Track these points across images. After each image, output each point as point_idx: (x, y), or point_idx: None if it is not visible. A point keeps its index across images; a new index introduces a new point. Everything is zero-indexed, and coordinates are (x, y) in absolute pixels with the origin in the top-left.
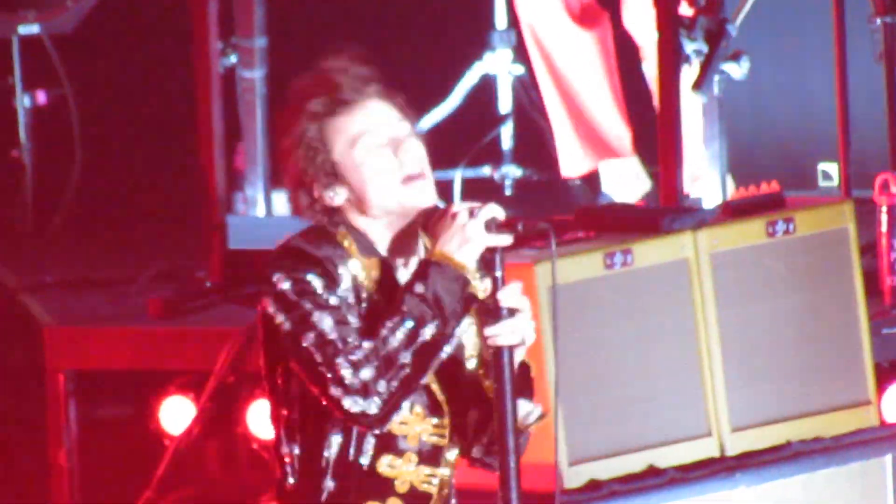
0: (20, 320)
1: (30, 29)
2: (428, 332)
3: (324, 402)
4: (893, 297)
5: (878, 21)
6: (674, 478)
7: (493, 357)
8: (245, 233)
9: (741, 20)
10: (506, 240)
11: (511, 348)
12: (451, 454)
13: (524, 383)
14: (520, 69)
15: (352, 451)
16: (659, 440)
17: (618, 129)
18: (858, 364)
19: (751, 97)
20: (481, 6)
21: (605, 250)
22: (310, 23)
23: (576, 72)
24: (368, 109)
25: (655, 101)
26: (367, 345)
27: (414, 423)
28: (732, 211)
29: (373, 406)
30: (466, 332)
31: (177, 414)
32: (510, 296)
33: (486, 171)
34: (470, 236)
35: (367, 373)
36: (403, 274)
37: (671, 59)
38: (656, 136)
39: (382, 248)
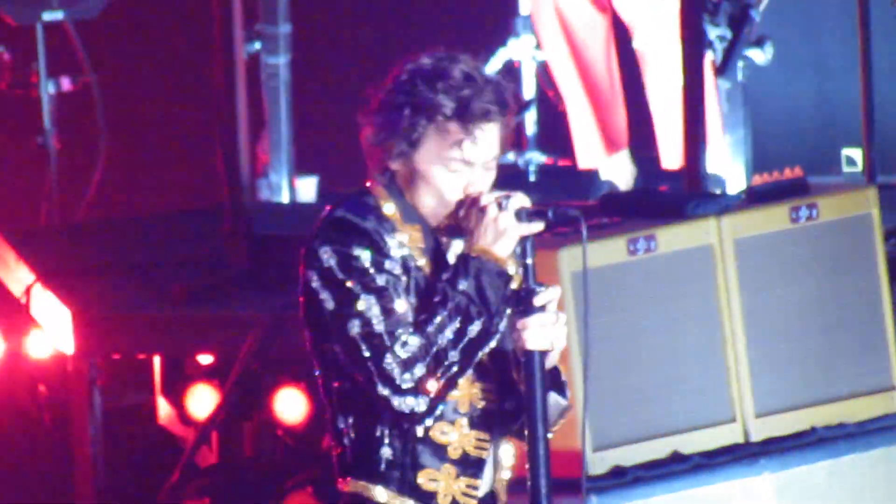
0: (45, 308)
1: (54, 15)
2: (475, 329)
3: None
4: None
5: None
6: (698, 464)
7: (524, 360)
8: (269, 219)
9: (764, 5)
10: (537, 227)
11: (542, 353)
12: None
13: (553, 384)
14: (543, 55)
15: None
16: (683, 426)
17: (621, 114)
18: (882, 349)
19: (774, 82)
20: None
21: (628, 236)
22: (334, 9)
23: (595, 57)
24: (481, 134)
25: (645, 79)
26: (415, 341)
27: (464, 387)
28: (756, 197)
29: (422, 404)
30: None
31: (202, 401)
32: (546, 300)
33: (510, 157)
34: (503, 228)
35: (417, 372)
36: (447, 243)
37: (694, 44)
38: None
39: (424, 214)
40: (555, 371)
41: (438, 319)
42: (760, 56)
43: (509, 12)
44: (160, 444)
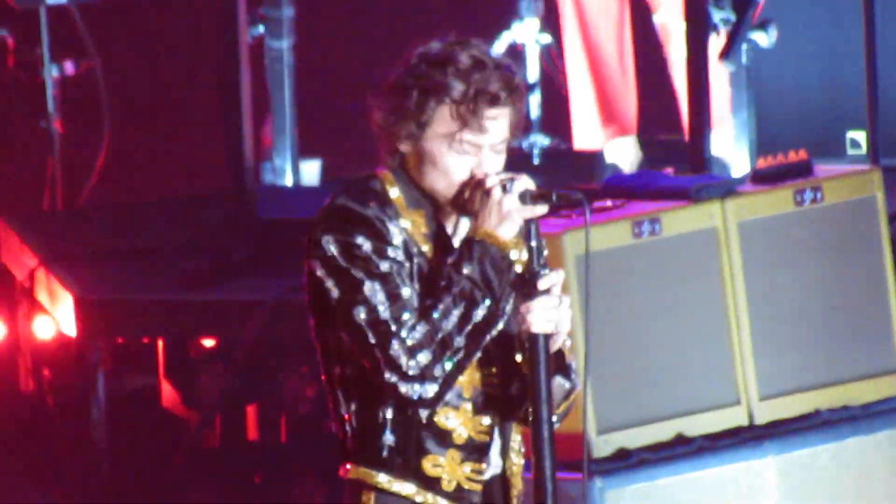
0: (50, 292)
1: None
2: (480, 313)
3: (378, 381)
4: None
5: None
6: (702, 446)
7: (528, 343)
8: (273, 202)
9: None
10: (541, 210)
11: (546, 337)
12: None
13: (558, 367)
14: (547, 38)
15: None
16: (687, 409)
17: (630, 100)
18: (887, 332)
19: (778, 65)
20: None
21: (633, 219)
22: None
23: (606, 37)
24: (490, 117)
25: (668, 53)
26: (421, 328)
27: (468, 372)
28: (760, 179)
29: (429, 391)
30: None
31: (206, 384)
32: (550, 283)
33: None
34: (507, 211)
35: (423, 358)
36: (451, 226)
37: (698, 27)
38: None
39: (428, 200)
40: (559, 354)
41: (443, 305)
42: (764, 39)
43: None
44: (164, 427)
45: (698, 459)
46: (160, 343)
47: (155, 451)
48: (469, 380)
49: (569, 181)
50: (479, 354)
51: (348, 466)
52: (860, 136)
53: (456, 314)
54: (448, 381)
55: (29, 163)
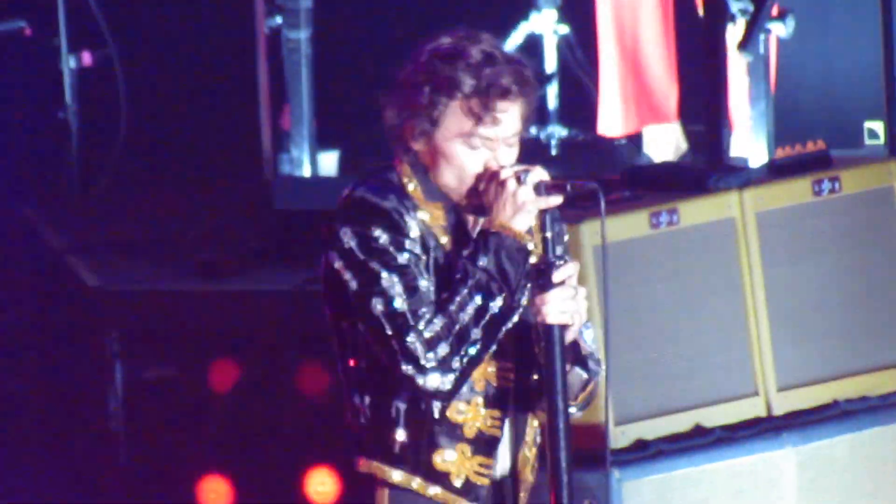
0: (67, 282)
1: None
2: (496, 305)
3: (395, 373)
4: None
5: None
6: (720, 437)
7: (544, 335)
8: (291, 193)
9: None
10: (556, 200)
11: (562, 328)
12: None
13: (575, 358)
14: (565, 29)
15: (423, 400)
16: (705, 400)
17: (667, 89)
18: None
19: (796, 55)
20: None
21: (650, 210)
22: None
23: (640, 24)
24: (501, 111)
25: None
26: (438, 320)
27: (480, 366)
28: (778, 170)
29: (447, 383)
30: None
31: (224, 375)
32: (565, 275)
33: (531, 130)
34: (522, 202)
35: (440, 351)
36: (472, 218)
37: (716, 18)
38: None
39: (447, 193)
40: (575, 345)
41: (460, 297)
42: (782, 29)
43: None
44: (181, 417)
45: (716, 450)
46: (178, 333)
47: (172, 442)
48: (481, 373)
49: (588, 172)
50: (494, 347)
51: (361, 460)
52: (878, 126)
53: (472, 306)
54: (465, 374)
55: (47, 153)
